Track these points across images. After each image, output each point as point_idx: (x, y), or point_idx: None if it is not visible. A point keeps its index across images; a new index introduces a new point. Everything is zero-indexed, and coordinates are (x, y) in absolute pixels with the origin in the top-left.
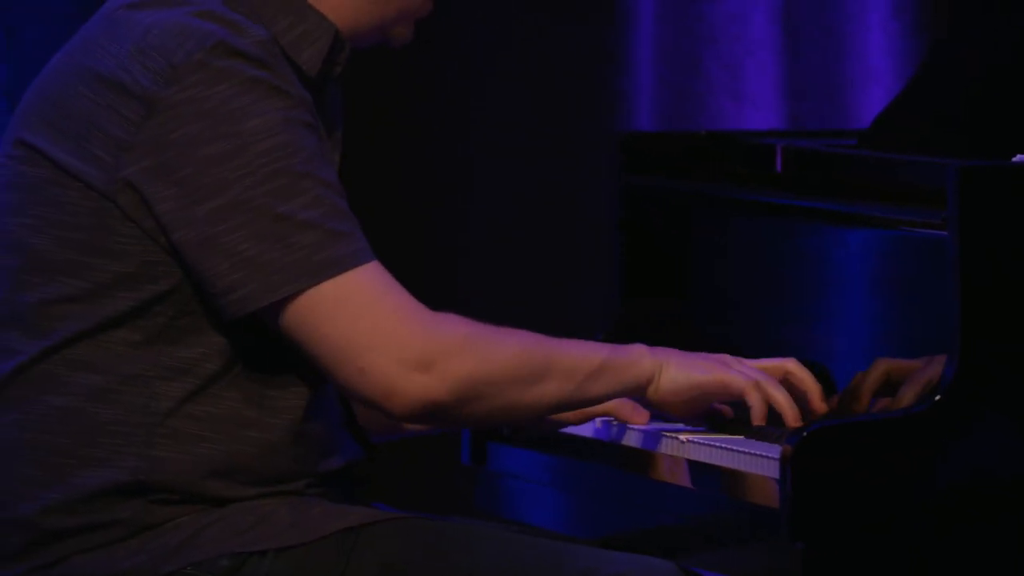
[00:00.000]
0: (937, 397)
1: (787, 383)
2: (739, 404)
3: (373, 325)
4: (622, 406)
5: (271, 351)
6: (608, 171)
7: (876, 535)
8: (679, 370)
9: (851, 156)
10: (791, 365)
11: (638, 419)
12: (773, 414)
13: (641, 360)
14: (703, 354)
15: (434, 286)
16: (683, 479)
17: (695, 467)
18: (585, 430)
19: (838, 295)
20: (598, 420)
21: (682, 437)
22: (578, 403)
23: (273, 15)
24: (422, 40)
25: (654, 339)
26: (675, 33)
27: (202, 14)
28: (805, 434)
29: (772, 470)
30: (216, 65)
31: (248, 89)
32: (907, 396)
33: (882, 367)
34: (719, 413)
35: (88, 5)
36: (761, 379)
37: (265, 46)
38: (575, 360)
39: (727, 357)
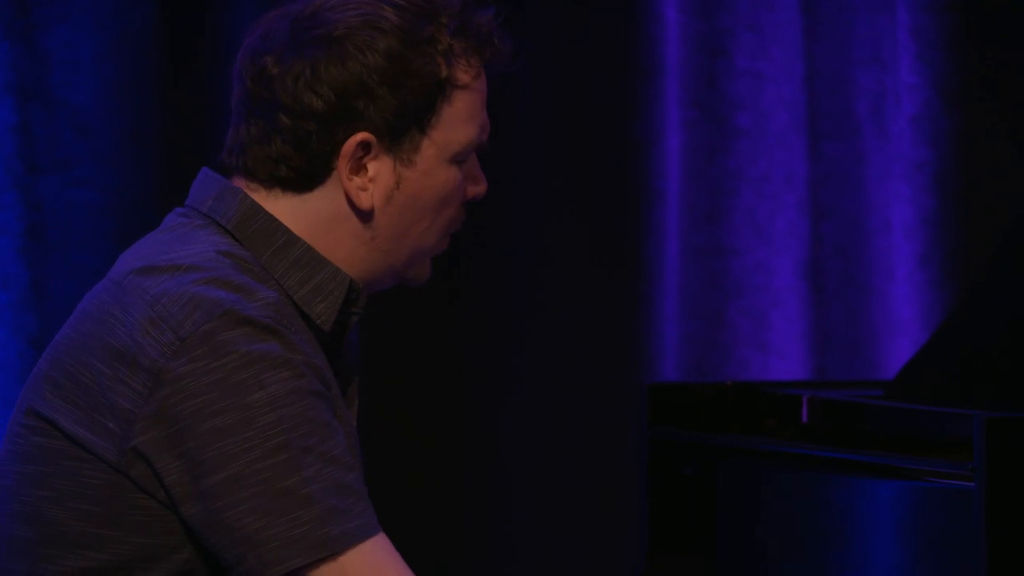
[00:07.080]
0: None
1: None
2: None
3: None
4: None
5: None
6: (635, 422)
7: None
8: None
9: (877, 407)
10: None
11: None
12: None
13: None
14: None
15: (466, 537)
16: None
17: None
18: None
19: (865, 546)
20: None
21: None
22: None
23: (285, 271)
24: (444, 285)
25: None
26: (700, 284)
27: (210, 281)
28: None
29: None
30: (222, 336)
31: (254, 361)
32: None
33: None
34: None
35: (114, 260)
36: None
37: (275, 308)
38: None
39: None
